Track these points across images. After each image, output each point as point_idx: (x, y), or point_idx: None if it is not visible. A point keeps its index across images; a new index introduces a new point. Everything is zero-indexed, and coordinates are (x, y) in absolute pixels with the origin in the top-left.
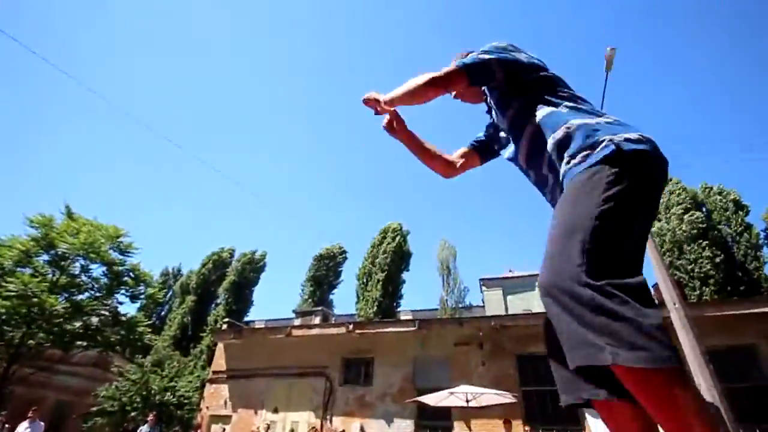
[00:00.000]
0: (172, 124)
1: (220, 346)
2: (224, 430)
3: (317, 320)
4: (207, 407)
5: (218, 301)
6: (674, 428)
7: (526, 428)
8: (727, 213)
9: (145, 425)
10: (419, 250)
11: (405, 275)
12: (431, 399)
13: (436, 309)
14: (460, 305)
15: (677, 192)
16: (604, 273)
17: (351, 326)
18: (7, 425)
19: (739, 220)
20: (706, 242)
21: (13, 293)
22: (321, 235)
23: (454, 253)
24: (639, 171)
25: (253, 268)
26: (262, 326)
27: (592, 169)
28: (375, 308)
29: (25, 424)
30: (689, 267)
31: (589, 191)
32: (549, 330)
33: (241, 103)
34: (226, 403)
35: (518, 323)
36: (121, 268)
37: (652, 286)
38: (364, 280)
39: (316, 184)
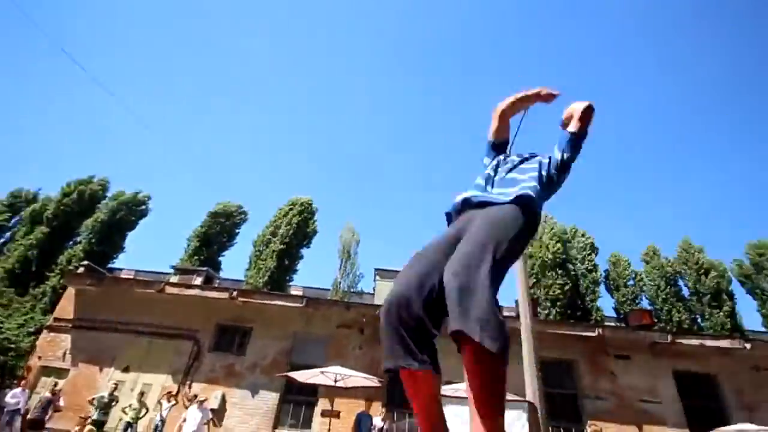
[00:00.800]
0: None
1: (71, 291)
2: (56, 384)
3: (199, 281)
4: (39, 357)
5: (79, 239)
6: (482, 397)
7: (382, 410)
8: (584, 252)
9: None
10: (323, 227)
11: (304, 251)
12: (301, 375)
13: (329, 290)
14: (352, 290)
15: (551, 226)
16: (498, 279)
17: (235, 293)
18: None
19: (591, 259)
20: (562, 271)
21: None
22: (220, 191)
23: (357, 240)
24: (536, 219)
25: (130, 211)
26: (131, 277)
27: (515, 206)
28: (266, 278)
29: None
30: (545, 290)
31: (512, 220)
32: (402, 304)
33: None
34: (65, 355)
35: None
36: None
37: (515, 300)
38: (260, 248)
39: (226, 136)
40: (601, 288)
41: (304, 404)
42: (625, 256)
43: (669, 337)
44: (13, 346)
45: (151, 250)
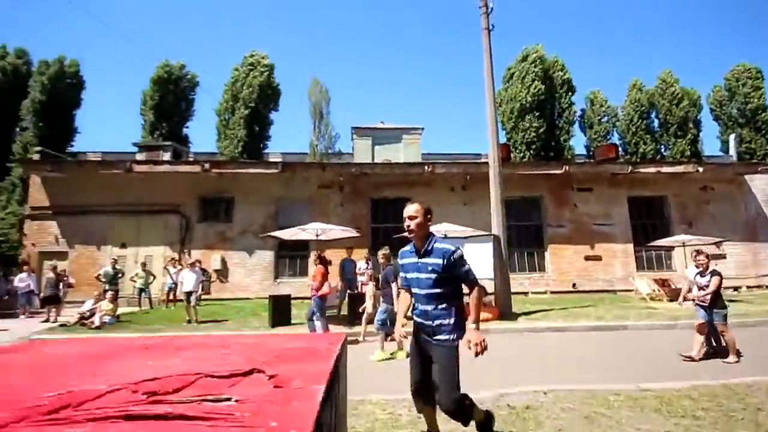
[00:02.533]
0: None
1: (36, 179)
2: (56, 267)
3: (167, 156)
4: (33, 244)
5: (23, 124)
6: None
7: (366, 254)
8: (561, 90)
9: None
10: (289, 89)
11: (274, 115)
12: (285, 234)
13: (306, 153)
14: (330, 151)
15: (533, 61)
16: None
17: (207, 165)
18: None
19: (567, 98)
20: (539, 113)
21: None
22: (160, 52)
23: (327, 98)
24: None
25: (66, 85)
26: (98, 159)
27: None
28: (240, 148)
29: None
30: (522, 133)
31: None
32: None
33: None
34: (57, 239)
35: (376, 171)
36: None
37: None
38: (226, 117)
39: None
40: (575, 128)
41: (297, 257)
42: (602, 93)
43: (629, 168)
44: (2, 238)
45: (106, 129)
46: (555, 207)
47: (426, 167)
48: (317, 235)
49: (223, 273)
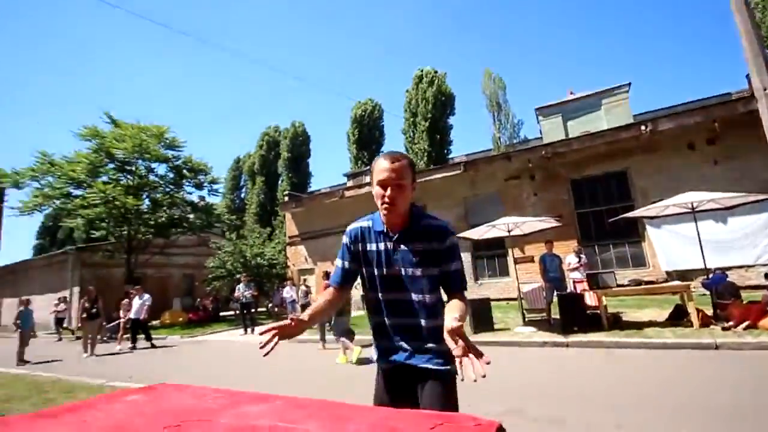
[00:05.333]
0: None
1: (288, 215)
2: (305, 280)
3: (367, 179)
4: (293, 264)
5: (281, 178)
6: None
7: (575, 248)
8: None
9: (241, 283)
10: (462, 89)
11: (451, 120)
12: (474, 233)
13: (490, 149)
14: (515, 140)
15: None
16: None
17: None
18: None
19: None
20: None
21: (97, 201)
22: (352, 95)
23: (502, 86)
24: None
25: (300, 141)
26: (324, 191)
27: None
28: (425, 159)
29: (136, 298)
30: None
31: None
32: None
33: None
34: (306, 259)
35: (573, 147)
36: (177, 162)
37: (746, 76)
38: (410, 134)
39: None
40: None
41: (495, 257)
42: None
43: None
44: (276, 262)
45: (329, 169)
46: None
47: (643, 127)
48: (509, 231)
49: None
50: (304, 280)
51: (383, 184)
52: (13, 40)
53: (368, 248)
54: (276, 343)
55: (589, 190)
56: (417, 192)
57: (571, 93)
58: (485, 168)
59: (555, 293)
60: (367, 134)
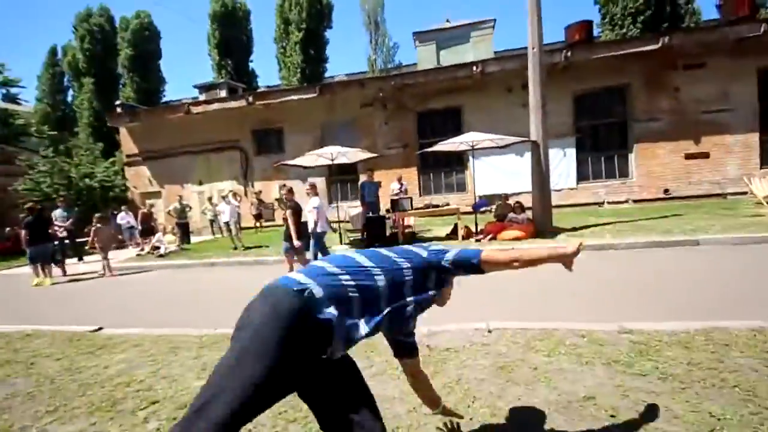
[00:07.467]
0: None
1: (123, 130)
2: (152, 205)
3: (223, 93)
4: (135, 187)
5: (123, 81)
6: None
7: (399, 176)
8: None
9: (58, 209)
10: (341, 1)
11: (328, 34)
12: (303, 161)
13: (366, 72)
14: (389, 65)
15: None
16: None
17: (251, 98)
18: None
19: None
20: None
21: None
22: None
23: (380, 2)
24: None
25: (146, 37)
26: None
27: None
28: (298, 75)
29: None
30: (623, 2)
31: None
32: None
33: None
34: (150, 181)
35: (419, 80)
36: None
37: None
38: (282, 44)
39: None
40: None
41: (348, 181)
42: None
43: (761, 28)
44: (110, 182)
45: (183, 74)
46: (647, 96)
47: (474, 67)
48: (332, 159)
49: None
50: (151, 205)
51: None
52: None
53: None
54: None
55: (431, 123)
56: (275, 113)
57: (448, 21)
58: (341, 93)
59: (368, 215)
60: (232, 39)
